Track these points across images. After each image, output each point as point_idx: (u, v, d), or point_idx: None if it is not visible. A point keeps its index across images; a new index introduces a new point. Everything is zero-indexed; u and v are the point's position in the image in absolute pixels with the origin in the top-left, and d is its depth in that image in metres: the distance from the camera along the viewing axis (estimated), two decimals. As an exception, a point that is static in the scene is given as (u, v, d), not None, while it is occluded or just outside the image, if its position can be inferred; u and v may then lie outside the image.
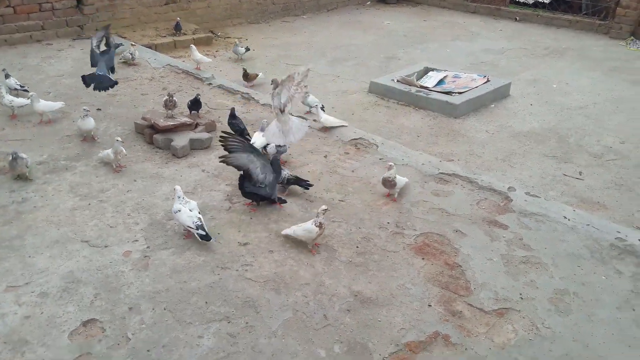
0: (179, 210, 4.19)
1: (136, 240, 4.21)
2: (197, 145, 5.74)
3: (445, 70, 8.32)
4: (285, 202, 4.77)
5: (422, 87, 7.76)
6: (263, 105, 6.90)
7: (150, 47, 9.28)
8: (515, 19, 12.66)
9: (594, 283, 3.90)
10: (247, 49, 9.24)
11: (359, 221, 4.58)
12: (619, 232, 4.40)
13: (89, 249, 4.09)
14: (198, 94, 6.36)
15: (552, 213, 4.66)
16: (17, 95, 6.49)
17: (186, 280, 3.81)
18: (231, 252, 4.13)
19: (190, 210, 4.21)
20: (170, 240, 4.23)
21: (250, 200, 4.73)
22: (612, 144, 6.47)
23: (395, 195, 4.88)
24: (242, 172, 4.64)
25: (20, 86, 6.70)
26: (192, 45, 8.53)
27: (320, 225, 4.07)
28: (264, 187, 4.64)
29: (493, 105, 7.58)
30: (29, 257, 3.99)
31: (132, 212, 4.58)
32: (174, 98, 6.09)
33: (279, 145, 5.34)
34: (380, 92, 7.81)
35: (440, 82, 8.04)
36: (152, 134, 5.80)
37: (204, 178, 5.19)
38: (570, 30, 11.82)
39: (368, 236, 4.38)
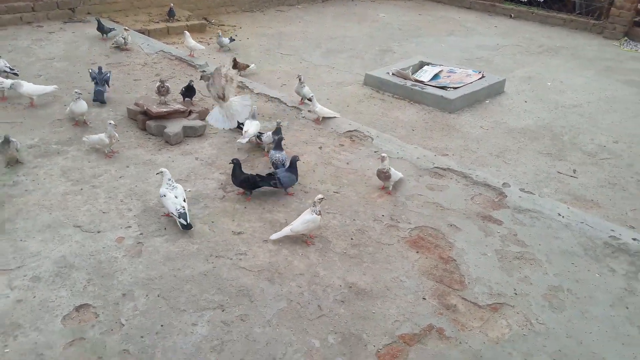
0: (164, 195, 4.18)
1: (129, 227, 4.16)
2: (190, 133, 5.68)
3: (440, 65, 8.32)
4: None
5: (417, 81, 7.75)
6: (257, 94, 6.84)
7: (143, 33, 9.16)
8: (510, 15, 12.70)
9: (588, 280, 3.93)
10: (232, 39, 9.10)
11: (353, 213, 4.56)
12: (612, 230, 4.44)
13: (82, 234, 4.03)
14: (191, 80, 6.29)
15: (546, 210, 4.69)
16: (7, 77, 6.36)
17: (180, 267, 3.78)
18: (225, 241, 4.10)
19: (175, 197, 4.18)
20: (164, 228, 4.19)
21: (242, 190, 4.69)
22: (606, 142, 6.52)
23: (390, 188, 4.88)
24: (235, 162, 4.59)
25: (10, 69, 6.56)
26: (185, 31, 8.43)
27: (320, 214, 4.06)
28: (254, 175, 4.64)
29: (487, 102, 7.59)
30: (21, 240, 3.92)
31: (125, 198, 4.52)
32: (167, 84, 6.01)
33: (278, 133, 5.31)
34: (375, 84, 7.79)
35: (436, 76, 8.03)
36: (145, 120, 5.73)
37: (198, 166, 5.13)
38: (565, 29, 11.88)
39: (363, 228, 4.37)
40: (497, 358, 3.23)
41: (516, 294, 3.76)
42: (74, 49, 8.06)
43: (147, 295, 3.50)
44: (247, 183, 4.61)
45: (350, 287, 3.73)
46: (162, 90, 5.92)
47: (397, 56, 9.36)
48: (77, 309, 3.36)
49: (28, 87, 5.96)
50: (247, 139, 5.34)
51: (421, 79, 7.89)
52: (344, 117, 6.34)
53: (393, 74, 7.80)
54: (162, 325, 3.28)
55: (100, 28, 8.46)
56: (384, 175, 4.76)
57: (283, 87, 7.53)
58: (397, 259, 4.03)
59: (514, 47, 10.37)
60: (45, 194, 4.50)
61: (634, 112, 7.54)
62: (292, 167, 4.72)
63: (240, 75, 7.56)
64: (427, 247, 4.18)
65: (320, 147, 5.63)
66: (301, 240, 4.14)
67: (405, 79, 7.68)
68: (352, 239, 4.24)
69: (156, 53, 8.10)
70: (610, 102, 7.82)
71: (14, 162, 4.85)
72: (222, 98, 5.09)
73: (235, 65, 7.76)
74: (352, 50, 9.63)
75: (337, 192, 4.85)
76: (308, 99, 6.38)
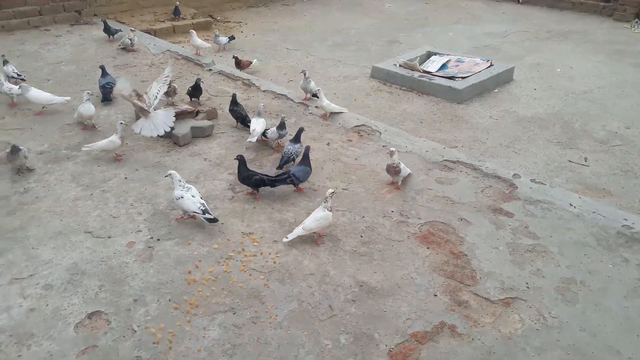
0: (182, 197, 4.15)
1: (139, 231, 4.19)
2: (198, 134, 5.68)
3: (448, 55, 8.22)
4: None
5: (424, 71, 7.68)
6: (264, 91, 6.83)
7: (149, 33, 9.18)
8: (518, 1, 12.50)
9: (601, 271, 3.88)
10: (232, 38, 9.02)
11: (362, 210, 4.55)
12: (625, 219, 4.37)
13: (93, 240, 4.06)
14: (199, 79, 6.28)
15: (557, 200, 4.63)
16: (15, 84, 6.41)
17: (190, 270, 3.79)
18: (235, 242, 4.11)
19: (192, 196, 4.18)
20: (174, 231, 4.21)
21: (251, 190, 4.69)
22: (618, 129, 6.42)
23: (399, 183, 4.84)
24: (239, 158, 4.59)
25: (17, 74, 6.60)
26: (191, 30, 8.42)
27: (331, 210, 4.05)
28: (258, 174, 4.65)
29: (497, 90, 7.50)
30: (33, 248, 3.97)
31: (134, 202, 4.55)
32: (174, 85, 6.02)
33: (281, 130, 5.31)
34: (382, 77, 7.73)
35: (443, 66, 7.94)
36: (153, 122, 5.74)
37: (206, 167, 5.14)
38: (574, 12, 11.67)
39: (372, 225, 4.35)
40: (510, 354, 3.21)
41: (528, 287, 3.72)
42: (81, 51, 8.10)
43: (158, 300, 3.52)
44: (249, 180, 4.60)
45: (361, 285, 3.72)
46: (170, 91, 5.92)
47: (404, 47, 9.28)
48: (89, 316, 3.39)
49: (38, 95, 5.96)
50: (255, 138, 5.34)
51: (429, 69, 7.82)
52: (352, 111, 6.30)
53: (400, 66, 7.73)
54: (173, 330, 3.31)
55: (107, 30, 8.49)
56: (393, 170, 4.72)
57: (290, 83, 7.50)
58: (408, 256, 4.01)
59: (523, 34, 10.22)
60: (56, 200, 4.54)
61: (647, 96, 7.41)
62: (305, 159, 4.70)
63: (244, 72, 7.55)
64: (437, 243, 4.15)
65: (328, 144, 5.61)
66: (311, 239, 4.13)
67: (413, 70, 7.61)
68: (361, 236, 4.22)
69: (163, 53, 8.11)
70: (622, 87, 7.68)
71: (23, 170, 4.89)
72: (144, 115, 5.28)
73: (238, 62, 7.75)
74: (358, 42, 9.56)
75: (345, 189, 4.83)
76: (314, 95, 6.35)
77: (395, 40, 9.70)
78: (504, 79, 7.75)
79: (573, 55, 9.01)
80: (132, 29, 8.37)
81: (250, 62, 7.87)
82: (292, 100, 6.57)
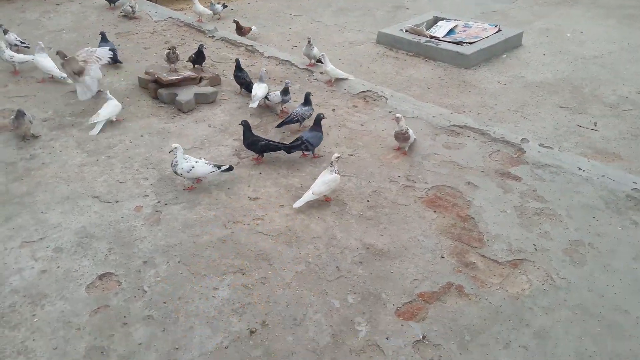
0: (193, 167, 4.13)
1: (146, 196, 4.19)
2: (202, 100, 5.64)
3: (455, 20, 8.07)
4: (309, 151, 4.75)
5: (431, 37, 7.55)
6: (268, 57, 6.74)
7: (150, 0, 9.02)
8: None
9: (610, 234, 3.87)
10: (225, 6, 8.80)
11: (369, 175, 4.53)
12: (635, 182, 4.34)
13: (100, 205, 4.08)
14: (201, 45, 6.20)
15: (566, 164, 4.60)
16: (17, 51, 6.35)
17: (198, 234, 3.81)
18: (242, 207, 4.11)
19: (197, 162, 4.18)
20: (181, 195, 4.21)
21: (257, 155, 4.67)
22: (628, 93, 6.32)
23: (406, 149, 4.81)
24: (244, 123, 4.56)
25: (21, 42, 6.54)
26: (193, -4, 8.26)
27: (338, 172, 4.04)
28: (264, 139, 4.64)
29: (505, 56, 7.38)
30: (41, 213, 3.98)
31: (140, 167, 4.54)
32: (177, 51, 5.95)
33: (284, 95, 5.26)
34: (389, 42, 7.61)
35: (451, 31, 7.81)
36: (156, 89, 5.70)
37: (211, 133, 5.11)
38: (585, -24, 11.37)
39: (378, 190, 4.34)
40: (517, 313, 3.23)
41: (536, 249, 3.72)
42: (82, 19, 7.99)
43: (167, 262, 3.55)
44: (255, 146, 4.58)
45: (368, 248, 3.73)
46: (172, 57, 5.86)
47: (410, 12, 9.11)
48: (100, 277, 3.43)
49: (44, 61, 5.92)
50: (256, 103, 5.30)
51: (436, 34, 7.69)
52: (357, 77, 6.22)
53: (406, 31, 7.61)
54: (183, 291, 3.33)
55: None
56: (402, 136, 4.67)
57: (294, 49, 7.40)
58: (414, 219, 4.01)
59: (532, -2, 9.99)
60: (62, 166, 4.54)
61: (658, 60, 7.27)
62: (317, 125, 4.68)
63: (245, 38, 7.45)
64: (444, 206, 4.14)
65: (333, 110, 5.56)
66: (317, 203, 4.12)
67: (420, 36, 7.49)
68: (368, 200, 4.21)
69: (165, 20, 7.99)
70: (633, 52, 7.54)
71: (29, 137, 4.88)
72: (79, 75, 5.32)
73: (239, 28, 7.63)
74: (363, 8, 9.38)
75: (351, 155, 4.80)
76: (318, 60, 6.26)
77: (401, 6, 9.52)
78: (512, 44, 7.62)
79: (583, 20, 8.82)
80: (134, -5, 8.22)
81: (250, 29, 7.75)
82: (296, 66, 6.49)
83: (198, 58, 6.13)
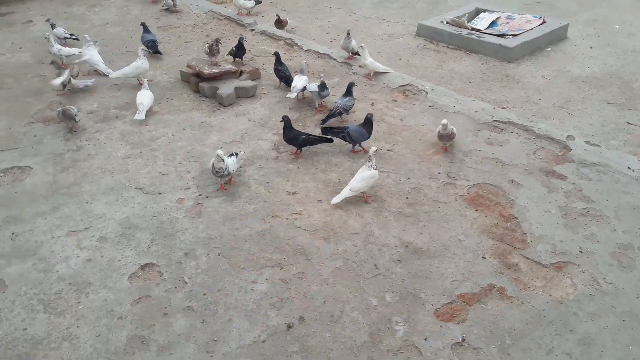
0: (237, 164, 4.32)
1: (188, 188, 4.26)
2: (242, 94, 5.68)
3: (497, 11, 7.85)
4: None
5: (473, 29, 7.37)
6: (307, 51, 6.73)
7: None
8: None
9: (660, 237, 3.72)
10: (258, 2, 8.50)
11: (408, 171, 4.47)
12: (688, 184, 4.15)
13: (143, 196, 4.17)
14: (242, 37, 6.23)
15: (614, 163, 4.42)
16: (65, 45, 6.54)
17: (238, 227, 3.85)
18: (280, 201, 4.13)
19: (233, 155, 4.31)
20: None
21: (296, 150, 4.68)
22: (682, 89, 6.04)
23: (447, 145, 4.73)
24: (285, 119, 4.57)
25: (70, 34, 6.75)
26: (234, -11, 8.29)
27: (376, 168, 4.01)
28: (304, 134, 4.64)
29: (549, 49, 7.14)
30: (87, 203, 4.11)
31: (182, 160, 4.62)
32: (220, 44, 5.99)
33: (323, 89, 5.24)
34: (429, 35, 7.47)
35: (493, 23, 7.60)
36: (197, 83, 5.77)
37: (251, 127, 5.15)
38: (637, -35, 10.87)
39: (418, 187, 4.29)
40: (561, 318, 3.14)
41: (582, 252, 3.61)
42: (125, 13, 8.16)
43: (208, 254, 3.60)
44: (296, 141, 4.59)
45: (407, 246, 3.69)
46: (215, 50, 5.89)
47: (451, 4, 8.90)
48: (143, 267, 3.51)
49: (92, 55, 6.08)
50: (295, 94, 5.34)
51: (477, 27, 7.50)
52: (396, 71, 6.14)
53: (447, 23, 7.45)
54: (223, 283, 3.38)
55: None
56: (448, 137, 4.57)
57: (332, 42, 7.36)
58: (455, 218, 3.94)
59: (579, -12, 9.62)
60: (107, 157, 4.66)
61: None
62: (366, 123, 4.63)
63: (284, 31, 7.44)
64: (486, 205, 4.06)
65: (372, 104, 5.51)
66: (355, 199, 4.10)
67: (461, 28, 7.32)
68: (407, 197, 4.17)
69: (205, 13, 8.08)
70: (688, 44, 7.17)
71: (75, 129, 5.02)
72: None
73: (279, 21, 7.61)
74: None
75: (390, 150, 4.76)
76: (356, 53, 6.21)
77: (442, -2, 9.31)
78: (557, 36, 7.37)
79: (633, 11, 8.43)
80: (175, -11, 8.33)
81: (288, 21, 7.74)
82: (335, 59, 6.46)
83: (239, 51, 6.17)
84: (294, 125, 4.76)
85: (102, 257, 3.60)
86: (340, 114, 5.03)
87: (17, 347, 2.99)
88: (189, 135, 5.00)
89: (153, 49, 6.48)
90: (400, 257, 3.60)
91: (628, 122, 5.41)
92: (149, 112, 5.29)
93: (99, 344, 3.01)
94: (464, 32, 7.21)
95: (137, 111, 5.18)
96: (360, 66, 6.15)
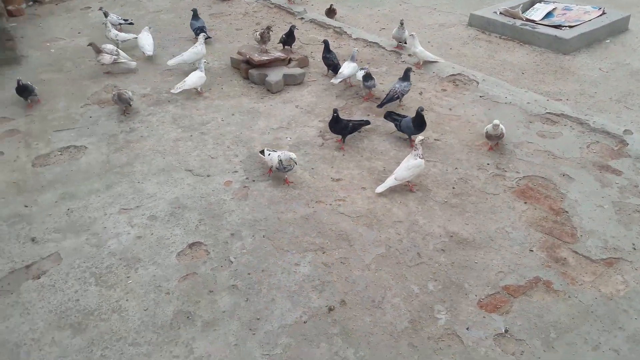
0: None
1: (236, 172, 4.35)
2: (290, 81, 5.73)
3: (554, 2, 7.57)
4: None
5: (527, 20, 7.14)
6: (355, 39, 6.70)
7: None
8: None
9: None
10: None
11: (455, 161, 4.41)
12: None
13: (193, 178, 4.29)
14: (293, 25, 6.26)
15: (675, 160, 4.22)
16: (120, 30, 6.77)
17: (283, 211, 3.91)
18: (325, 187, 4.16)
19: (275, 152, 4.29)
20: (267, 173, 4.33)
21: (341, 138, 4.68)
22: None
23: (494, 144, 4.58)
24: (335, 112, 4.58)
25: (124, 20, 6.99)
26: (284, -22, 8.33)
27: (422, 157, 3.98)
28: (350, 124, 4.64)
29: (608, 41, 6.84)
30: (139, 182, 4.26)
31: (231, 144, 4.72)
32: (271, 31, 6.05)
33: (367, 80, 5.21)
34: (481, 25, 7.30)
35: (549, 14, 7.34)
36: (247, 69, 5.86)
37: (298, 114, 5.19)
38: None
39: (465, 177, 4.22)
40: (610, 314, 3.04)
41: (635, 249, 3.47)
42: (179, 0, 8.35)
43: (253, 236, 3.68)
44: (346, 130, 4.59)
45: (451, 236, 3.65)
46: (266, 37, 5.95)
47: (505, -6, 8.64)
48: (190, 246, 3.62)
49: (146, 40, 6.29)
50: (340, 79, 5.38)
51: (532, 17, 7.26)
52: (447, 60, 6.04)
53: (501, 13, 7.25)
54: (267, 264, 3.45)
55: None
56: (496, 137, 4.42)
57: (382, 31, 7.30)
58: (503, 210, 3.86)
59: (644, -22, 9.15)
60: (159, 139, 4.81)
61: None
62: (417, 118, 4.50)
63: (333, 20, 7.43)
64: (536, 198, 3.96)
65: (420, 93, 5.45)
66: (400, 188, 4.08)
67: (515, 18, 7.11)
68: (453, 187, 4.11)
69: (256, 2, 8.17)
70: None
71: (129, 111, 5.21)
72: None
73: (331, 10, 7.60)
74: (455, -11, 9.03)
75: (438, 140, 4.70)
76: (404, 42, 6.17)
77: (495, -13, 9.06)
78: (617, 28, 7.04)
79: (703, 2, 7.96)
80: (227, -23, 8.45)
81: (336, 10, 7.73)
82: (384, 48, 6.41)
83: (288, 39, 6.21)
84: (341, 114, 4.76)
85: (151, 234, 3.73)
86: (397, 97, 5.04)
87: (70, 317, 3.15)
88: (237, 120, 5.09)
89: (200, 30, 6.58)
90: (445, 247, 3.57)
91: (692, 118, 5.12)
92: (199, 97, 5.43)
93: (147, 318, 3.13)
94: (518, 22, 7.00)
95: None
96: (409, 55, 6.09)
